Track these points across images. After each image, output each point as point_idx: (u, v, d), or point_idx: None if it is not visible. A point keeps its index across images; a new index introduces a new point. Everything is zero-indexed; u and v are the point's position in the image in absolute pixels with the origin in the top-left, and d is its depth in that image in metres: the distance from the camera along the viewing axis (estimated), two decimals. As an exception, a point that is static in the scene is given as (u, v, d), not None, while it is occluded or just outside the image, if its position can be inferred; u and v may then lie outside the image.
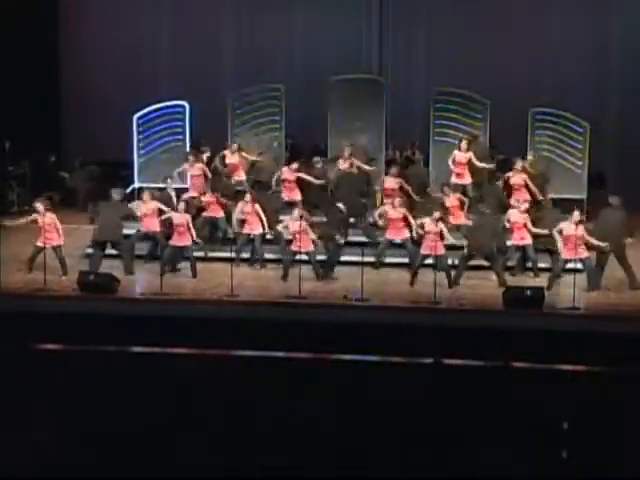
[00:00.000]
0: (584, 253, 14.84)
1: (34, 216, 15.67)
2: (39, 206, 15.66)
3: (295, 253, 15.39)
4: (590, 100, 19.72)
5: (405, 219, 15.84)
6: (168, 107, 18.61)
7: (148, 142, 18.57)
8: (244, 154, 17.76)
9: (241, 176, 17.68)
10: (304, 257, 15.46)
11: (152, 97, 19.20)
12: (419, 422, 10.43)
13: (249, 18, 21.55)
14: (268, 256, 16.28)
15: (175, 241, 15.63)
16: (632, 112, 20.19)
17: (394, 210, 15.85)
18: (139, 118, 18.56)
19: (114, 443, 10.21)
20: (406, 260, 16.05)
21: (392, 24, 21.12)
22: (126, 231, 16.35)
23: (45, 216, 15.48)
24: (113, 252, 16.16)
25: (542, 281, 15.13)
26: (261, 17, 21.40)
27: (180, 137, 18.52)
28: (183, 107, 18.56)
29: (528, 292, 14.19)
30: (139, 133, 18.57)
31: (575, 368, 11.88)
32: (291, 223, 15.54)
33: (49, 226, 15.46)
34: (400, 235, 15.87)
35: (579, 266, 15.07)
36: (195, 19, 21.54)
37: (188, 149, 18.20)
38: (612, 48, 20.46)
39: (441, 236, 15.15)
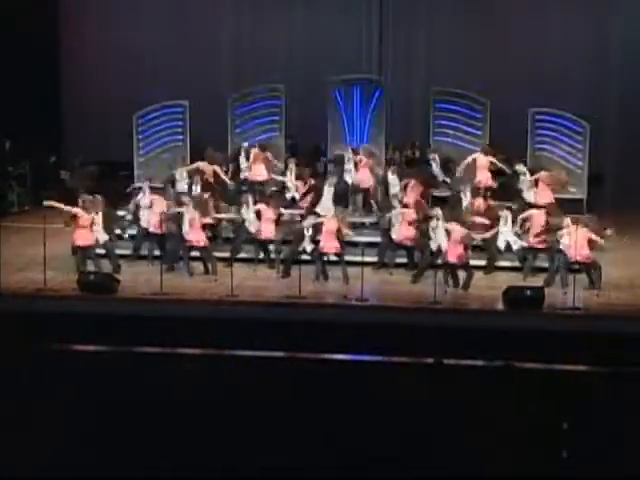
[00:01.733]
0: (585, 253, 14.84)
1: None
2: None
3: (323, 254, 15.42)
4: (590, 100, 19.72)
5: (417, 222, 15.81)
6: (168, 107, 18.60)
7: (148, 142, 18.56)
8: (268, 154, 17.72)
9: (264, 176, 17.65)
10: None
11: (152, 97, 19.19)
12: (419, 422, 10.43)
13: (249, 18, 21.55)
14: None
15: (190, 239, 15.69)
16: (632, 112, 20.19)
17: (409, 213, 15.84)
18: (139, 118, 18.55)
19: (114, 443, 10.21)
20: (405, 260, 16.11)
21: (392, 24, 21.11)
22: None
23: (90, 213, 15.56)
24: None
25: (540, 281, 15.15)
26: (261, 17, 21.39)
27: (180, 137, 18.51)
28: (183, 107, 18.55)
29: (528, 292, 14.19)
30: (139, 133, 18.56)
31: (575, 368, 11.89)
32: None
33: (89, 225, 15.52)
34: (410, 237, 15.82)
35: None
36: (195, 19, 21.54)
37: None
38: (612, 48, 20.46)
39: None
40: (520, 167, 17.10)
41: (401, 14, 21.15)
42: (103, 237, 15.69)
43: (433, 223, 15.17)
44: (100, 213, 15.65)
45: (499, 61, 20.44)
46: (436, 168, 17.70)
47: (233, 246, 16.15)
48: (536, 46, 20.45)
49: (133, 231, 16.80)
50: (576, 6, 20.62)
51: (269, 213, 16.05)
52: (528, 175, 16.92)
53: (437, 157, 17.76)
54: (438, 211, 15.29)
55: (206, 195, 16.74)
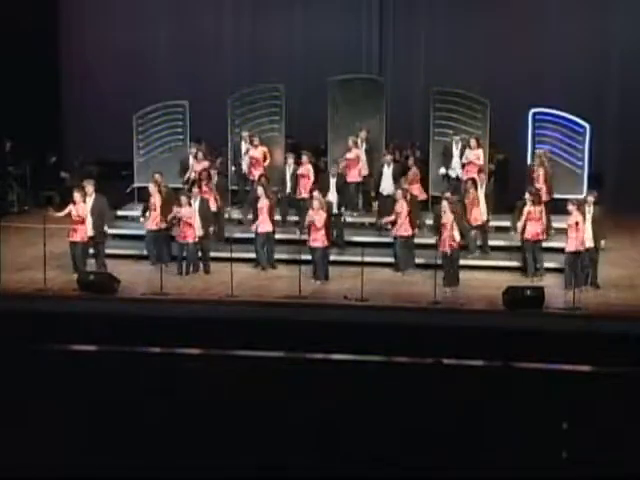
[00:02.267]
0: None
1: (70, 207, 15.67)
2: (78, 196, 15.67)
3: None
4: (590, 100, 19.70)
5: (409, 214, 15.85)
6: (168, 107, 18.59)
7: (148, 142, 18.56)
8: (264, 149, 17.78)
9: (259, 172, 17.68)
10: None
11: (152, 97, 19.19)
12: (419, 422, 10.43)
13: (249, 18, 21.52)
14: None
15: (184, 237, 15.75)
16: (632, 112, 20.17)
17: (401, 206, 15.86)
18: (139, 118, 18.54)
19: (114, 443, 10.22)
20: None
21: (392, 24, 21.09)
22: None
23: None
24: (112, 252, 16.20)
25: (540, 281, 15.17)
26: (261, 17, 21.37)
27: (180, 137, 18.50)
28: (183, 107, 18.54)
29: (528, 292, 14.19)
30: (139, 133, 18.56)
31: (575, 368, 11.89)
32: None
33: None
34: (407, 230, 15.85)
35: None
36: (195, 19, 21.53)
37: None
38: (612, 48, 20.42)
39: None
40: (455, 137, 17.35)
41: (401, 14, 21.12)
42: (90, 231, 15.70)
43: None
44: (89, 203, 15.67)
45: (499, 61, 20.40)
46: (456, 151, 17.64)
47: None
48: (536, 46, 20.40)
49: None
50: (576, 6, 20.59)
51: (265, 206, 16.09)
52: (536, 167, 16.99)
53: (460, 140, 17.70)
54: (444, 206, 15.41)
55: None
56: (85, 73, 21.55)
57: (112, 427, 10.42)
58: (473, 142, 17.34)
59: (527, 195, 15.53)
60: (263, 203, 16.17)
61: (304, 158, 17.37)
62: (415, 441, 10.13)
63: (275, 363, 12.32)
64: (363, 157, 17.77)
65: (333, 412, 10.54)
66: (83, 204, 15.58)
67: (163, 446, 10.13)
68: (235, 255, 15.62)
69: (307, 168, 17.28)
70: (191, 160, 17.69)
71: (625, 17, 20.29)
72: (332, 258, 15.87)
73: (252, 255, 16.25)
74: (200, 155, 17.58)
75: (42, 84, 20.83)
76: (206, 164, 17.46)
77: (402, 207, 15.79)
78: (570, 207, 15.03)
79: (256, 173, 17.45)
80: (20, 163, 20.46)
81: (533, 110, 17.98)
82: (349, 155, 17.62)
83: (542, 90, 19.57)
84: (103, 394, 10.92)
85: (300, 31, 21.41)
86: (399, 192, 16.01)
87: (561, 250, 15.35)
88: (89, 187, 15.92)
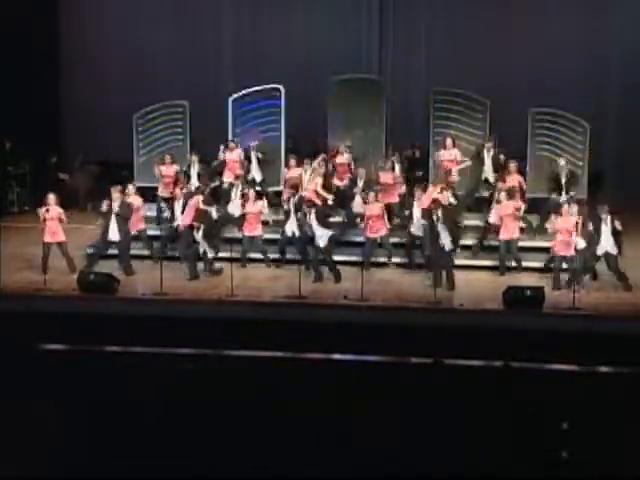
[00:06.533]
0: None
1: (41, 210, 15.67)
2: (51, 198, 15.72)
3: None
4: (590, 100, 19.71)
5: (382, 215, 15.89)
6: (168, 107, 18.61)
7: (148, 142, 18.56)
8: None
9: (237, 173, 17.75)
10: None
11: (152, 97, 19.19)
12: (419, 422, 10.44)
13: (249, 18, 21.55)
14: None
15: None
16: (632, 112, 20.18)
17: (372, 205, 15.91)
18: (139, 118, 18.55)
19: (113, 443, 10.22)
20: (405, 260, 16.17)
21: (392, 24, 21.11)
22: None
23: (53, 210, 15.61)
24: (112, 252, 16.20)
25: (537, 281, 15.17)
26: (261, 17, 21.40)
27: (180, 137, 18.51)
28: (183, 107, 18.55)
29: (528, 292, 14.19)
30: (139, 133, 18.57)
31: (575, 368, 11.89)
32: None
33: (54, 221, 15.56)
34: (378, 232, 15.88)
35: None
36: (195, 19, 21.55)
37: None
38: (612, 48, 20.44)
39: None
40: (561, 161, 17.14)
41: (401, 14, 21.15)
42: (115, 235, 15.78)
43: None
44: (115, 207, 15.74)
45: (499, 61, 20.44)
46: (487, 160, 17.55)
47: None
48: (536, 46, 20.44)
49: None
50: (576, 6, 20.61)
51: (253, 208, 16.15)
52: (565, 170, 16.97)
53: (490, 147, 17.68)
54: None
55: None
56: (85, 73, 21.57)
57: (111, 427, 10.42)
58: (449, 141, 17.29)
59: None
60: (251, 208, 16.18)
61: (292, 162, 17.36)
62: (414, 441, 10.13)
63: (275, 363, 12.32)
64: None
65: (333, 412, 10.53)
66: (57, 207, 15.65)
67: (162, 446, 10.13)
68: (235, 255, 15.64)
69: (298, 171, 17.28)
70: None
71: (625, 17, 20.32)
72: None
73: (253, 255, 16.30)
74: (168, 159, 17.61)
75: (42, 84, 20.84)
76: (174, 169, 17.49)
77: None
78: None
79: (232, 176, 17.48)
80: (20, 163, 20.47)
81: (533, 110, 17.98)
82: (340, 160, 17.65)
83: (542, 90, 19.57)
84: (103, 394, 10.92)
85: (300, 31, 21.43)
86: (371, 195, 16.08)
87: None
88: (115, 193, 15.94)
